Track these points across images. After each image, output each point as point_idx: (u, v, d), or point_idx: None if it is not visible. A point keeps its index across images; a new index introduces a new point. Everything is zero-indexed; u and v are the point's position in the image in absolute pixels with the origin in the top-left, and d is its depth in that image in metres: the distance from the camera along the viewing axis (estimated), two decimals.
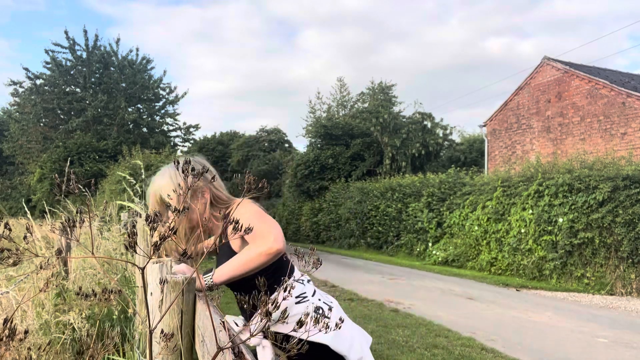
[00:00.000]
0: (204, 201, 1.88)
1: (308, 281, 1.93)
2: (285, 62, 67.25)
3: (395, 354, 4.79)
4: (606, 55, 73.15)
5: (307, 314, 1.59)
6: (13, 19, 48.88)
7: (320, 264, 1.03)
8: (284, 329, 1.72)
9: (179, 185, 1.80)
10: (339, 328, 1.67)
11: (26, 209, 5.69)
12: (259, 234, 1.71)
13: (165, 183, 1.86)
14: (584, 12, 65.17)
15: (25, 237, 0.73)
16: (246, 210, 1.78)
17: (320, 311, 1.80)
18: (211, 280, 1.66)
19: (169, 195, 1.83)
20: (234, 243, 1.85)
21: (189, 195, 1.80)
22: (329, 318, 1.79)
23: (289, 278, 1.84)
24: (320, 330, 0.94)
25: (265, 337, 1.76)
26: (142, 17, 61.81)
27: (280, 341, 1.73)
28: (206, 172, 1.86)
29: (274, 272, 1.80)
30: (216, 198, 1.91)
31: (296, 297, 1.81)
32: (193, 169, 0.88)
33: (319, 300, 1.86)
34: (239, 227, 0.87)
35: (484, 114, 45.67)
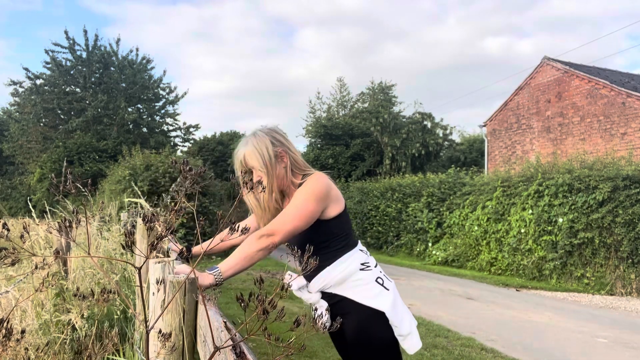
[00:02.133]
0: (284, 165, 1.97)
1: (369, 255, 2.03)
2: (284, 61, 67.18)
3: None
4: (605, 55, 73.16)
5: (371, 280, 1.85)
6: (10, 19, 48.81)
7: (317, 264, 1.03)
8: (345, 292, 1.87)
9: (265, 149, 1.93)
10: (390, 297, 1.87)
11: (30, 206, 5.70)
12: (281, 217, 1.83)
13: (249, 149, 1.96)
14: (582, 12, 65.07)
15: (22, 237, 0.73)
16: (307, 185, 1.89)
17: (380, 282, 1.91)
18: (220, 275, 1.68)
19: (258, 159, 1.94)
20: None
21: (274, 159, 1.93)
22: (387, 290, 1.90)
23: (354, 247, 1.96)
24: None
25: (322, 298, 1.92)
26: (139, 17, 61.67)
27: (336, 302, 1.84)
28: (284, 138, 2.02)
29: (344, 238, 1.94)
30: (294, 163, 2.00)
31: (360, 264, 1.92)
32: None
33: (380, 272, 1.97)
34: (237, 227, 0.87)
35: (483, 114, 45.67)
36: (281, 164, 1.96)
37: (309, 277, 1.94)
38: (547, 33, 65.96)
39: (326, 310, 1.88)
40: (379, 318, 1.84)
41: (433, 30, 63.97)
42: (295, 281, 1.93)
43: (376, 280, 1.90)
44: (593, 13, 64.82)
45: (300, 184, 1.95)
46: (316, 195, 1.86)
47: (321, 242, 1.89)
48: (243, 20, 68.48)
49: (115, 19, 56.12)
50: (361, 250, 1.98)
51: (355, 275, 1.89)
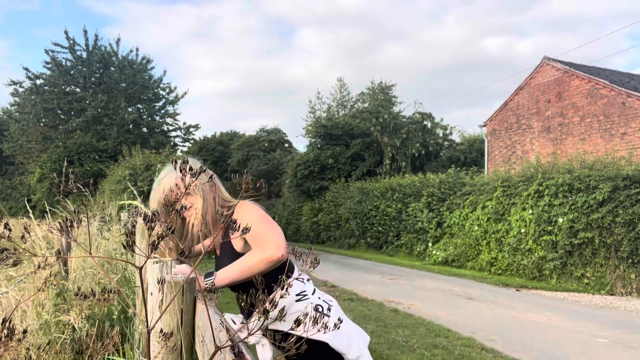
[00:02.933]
0: (213, 195, 1.90)
1: (307, 280, 1.94)
2: (283, 61, 67.26)
3: (395, 354, 4.79)
4: (605, 55, 73.14)
5: (306, 313, 1.60)
6: (8, 19, 48.79)
7: (318, 264, 1.03)
8: (284, 327, 1.74)
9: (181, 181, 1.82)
10: (338, 328, 1.69)
11: (28, 207, 5.70)
12: (264, 240, 1.73)
13: (168, 183, 1.87)
14: (581, 12, 65.18)
15: (22, 237, 0.73)
16: (250, 213, 1.79)
17: (320, 309, 1.81)
18: (212, 284, 1.68)
19: (171, 190, 1.83)
20: (236, 243, 1.85)
21: (207, 186, 1.85)
22: (328, 317, 1.80)
23: (289, 277, 1.85)
24: (319, 330, 0.95)
25: (264, 335, 1.76)
26: (138, 17, 61.75)
27: (279, 339, 1.75)
28: (204, 172, 1.89)
29: (274, 271, 1.80)
30: (222, 195, 1.95)
31: (296, 295, 1.83)
32: (191, 168, 0.89)
33: (319, 298, 1.87)
34: (237, 226, 0.87)
35: (483, 114, 45.67)
36: (212, 194, 1.90)
37: (248, 316, 1.85)
38: (546, 33, 66.06)
39: (272, 346, 1.78)
40: (323, 349, 1.76)
41: (433, 30, 64.06)
42: (235, 320, 1.83)
43: (316, 309, 1.80)
44: (593, 13, 64.92)
45: (227, 216, 1.89)
46: (264, 214, 1.81)
47: (251, 279, 1.76)
48: (242, 20, 68.54)
49: (114, 19, 56.15)
50: (298, 279, 1.89)
51: (292, 308, 1.79)
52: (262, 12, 65.85)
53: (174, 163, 0.87)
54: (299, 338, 1.77)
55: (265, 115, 67.62)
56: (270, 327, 1.80)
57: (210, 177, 1.80)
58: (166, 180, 1.89)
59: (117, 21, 57.22)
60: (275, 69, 65.17)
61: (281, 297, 0.88)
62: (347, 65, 58.24)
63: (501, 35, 66.55)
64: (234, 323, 1.81)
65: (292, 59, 66.69)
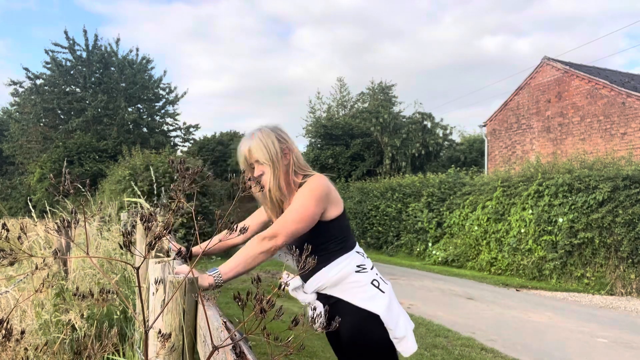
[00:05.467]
0: (286, 162, 1.98)
1: (365, 256, 2.04)
2: (281, 61, 67.06)
3: None
4: (605, 55, 73.18)
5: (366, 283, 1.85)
6: (3, 18, 48.65)
7: (315, 263, 1.03)
8: (341, 294, 1.88)
9: (271, 143, 1.95)
10: (386, 300, 1.86)
11: (30, 207, 5.71)
12: (281, 219, 1.85)
13: (255, 142, 1.97)
14: (579, 11, 65.02)
15: (19, 237, 0.73)
16: (305, 187, 1.90)
17: (376, 284, 1.91)
18: (220, 277, 1.68)
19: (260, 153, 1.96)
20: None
21: (280, 153, 1.95)
22: (383, 292, 1.90)
23: (352, 249, 1.97)
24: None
25: (318, 299, 1.93)
26: (135, 16, 61.44)
27: (332, 304, 1.85)
28: (287, 137, 2.05)
29: (342, 240, 1.94)
30: (296, 162, 2.02)
31: (357, 267, 1.93)
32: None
33: (376, 274, 1.97)
34: (235, 227, 0.87)
35: (483, 114, 45.62)
36: (284, 161, 1.98)
37: (305, 278, 1.95)
38: (544, 32, 66.01)
39: (325, 310, 1.88)
40: (373, 320, 1.84)
41: (430, 30, 64.00)
42: (291, 281, 1.94)
43: (372, 283, 1.90)
44: (591, 12, 64.85)
45: (300, 184, 1.95)
46: (316, 196, 1.87)
47: (319, 243, 1.89)
48: (239, 19, 68.46)
49: (110, 18, 55.99)
50: (358, 252, 1.99)
51: (351, 277, 1.89)
52: (259, 11, 65.69)
53: (171, 163, 0.87)
54: (352, 306, 1.83)
55: (264, 115, 67.58)
56: (324, 292, 1.91)
57: (282, 150, 1.96)
58: (242, 148, 2.02)
59: (113, 20, 57.01)
60: (273, 68, 65.06)
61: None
62: (345, 65, 58.15)
63: (499, 35, 66.48)
64: (289, 279, 1.92)
65: (290, 59, 66.57)
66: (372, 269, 1.98)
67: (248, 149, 1.97)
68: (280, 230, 1.80)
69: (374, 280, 1.92)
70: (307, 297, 1.94)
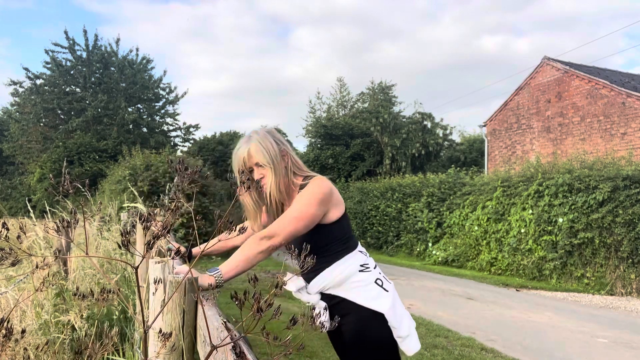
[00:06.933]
0: (284, 165, 1.99)
1: (368, 256, 2.04)
2: (280, 61, 66.94)
3: None
4: (604, 55, 73.14)
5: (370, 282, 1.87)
6: (2, 17, 48.57)
7: (317, 265, 1.03)
8: (345, 293, 1.89)
9: (270, 145, 1.95)
10: (389, 296, 1.89)
11: (29, 207, 5.70)
12: (279, 220, 1.85)
13: (254, 144, 1.97)
14: (578, 11, 64.96)
15: (18, 237, 0.73)
16: (307, 189, 1.90)
17: (380, 283, 1.92)
18: (221, 277, 1.69)
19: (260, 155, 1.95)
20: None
21: (279, 155, 1.96)
22: (387, 291, 1.91)
23: (354, 249, 1.97)
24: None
25: (321, 299, 1.94)
26: (132, 15, 61.26)
27: (336, 304, 1.87)
28: (284, 139, 2.05)
29: (345, 241, 1.95)
30: (295, 164, 2.02)
31: (360, 266, 1.93)
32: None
33: (379, 273, 1.98)
34: (234, 227, 0.87)
35: (483, 114, 45.62)
36: (283, 163, 1.98)
37: (309, 279, 1.95)
38: (543, 32, 65.92)
39: (324, 309, 1.89)
40: (377, 319, 1.85)
41: (429, 29, 63.91)
42: (294, 282, 1.94)
43: (375, 282, 1.91)
44: (590, 12, 64.79)
45: (302, 186, 1.96)
46: (318, 198, 1.87)
47: (322, 245, 1.90)
48: (237, 18, 68.30)
49: (108, 18, 55.87)
50: (360, 252, 1.99)
51: (355, 277, 1.90)
52: (257, 11, 65.57)
53: (168, 162, 0.87)
54: (356, 305, 1.84)
55: (264, 115, 67.51)
56: (328, 292, 1.92)
57: (280, 148, 1.97)
58: (240, 151, 2.00)
59: (111, 20, 56.85)
60: (272, 68, 64.94)
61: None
62: (345, 65, 58.08)
63: (498, 34, 66.40)
64: (289, 279, 1.92)
65: (288, 58, 66.48)
66: (375, 268, 1.98)
67: (247, 152, 1.96)
68: (278, 230, 1.81)
69: (378, 279, 1.93)
70: (310, 298, 1.94)
